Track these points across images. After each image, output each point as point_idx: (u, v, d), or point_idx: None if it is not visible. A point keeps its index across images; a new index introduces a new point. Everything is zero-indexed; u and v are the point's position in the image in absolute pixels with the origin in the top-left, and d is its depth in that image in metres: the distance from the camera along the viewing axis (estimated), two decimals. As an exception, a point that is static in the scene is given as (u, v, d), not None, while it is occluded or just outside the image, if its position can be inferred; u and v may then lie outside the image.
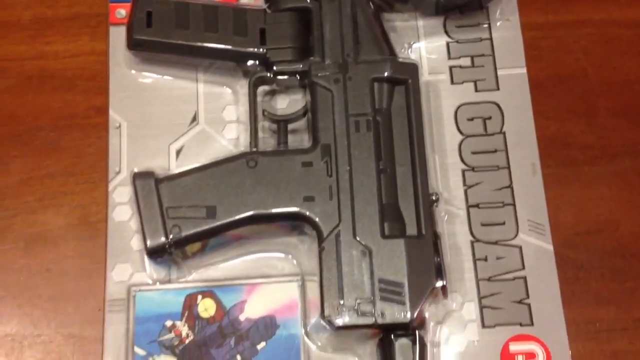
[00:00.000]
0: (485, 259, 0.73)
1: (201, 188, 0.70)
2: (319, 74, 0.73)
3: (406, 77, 0.73)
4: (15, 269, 0.74)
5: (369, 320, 0.66)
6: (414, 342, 0.66)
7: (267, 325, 0.71)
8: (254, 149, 0.72)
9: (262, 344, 0.71)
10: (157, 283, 0.72)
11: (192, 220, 0.69)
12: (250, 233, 0.72)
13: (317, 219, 0.69)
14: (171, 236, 0.69)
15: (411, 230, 0.69)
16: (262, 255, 0.73)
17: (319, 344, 0.70)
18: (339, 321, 0.66)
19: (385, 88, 0.73)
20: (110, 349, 0.70)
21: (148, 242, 0.69)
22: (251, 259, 0.73)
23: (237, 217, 0.69)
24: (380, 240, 0.68)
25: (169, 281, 0.72)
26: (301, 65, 0.73)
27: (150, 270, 0.72)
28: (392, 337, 0.66)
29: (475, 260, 0.73)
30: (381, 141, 0.71)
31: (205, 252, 0.73)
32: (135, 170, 0.73)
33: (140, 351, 0.70)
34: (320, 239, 0.69)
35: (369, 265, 0.67)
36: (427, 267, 0.67)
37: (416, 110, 0.72)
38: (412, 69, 0.73)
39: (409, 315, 0.66)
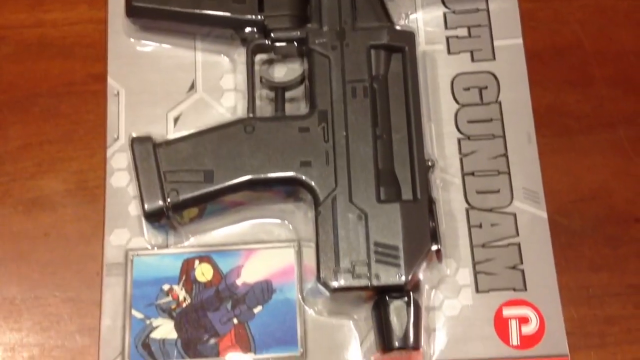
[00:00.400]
0: (480, 226, 0.73)
1: (199, 153, 0.70)
2: (317, 41, 0.73)
3: (403, 44, 0.73)
4: (14, 233, 0.74)
5: (364, 283, 0.67)
6: (408, 304, 0.67)
7: (264, 290, 0.72)
8: (251, 115, 0.73)
9: (259, 307, 0.71)
10: (155, 248, 0.73)
11: (190, 184, 0.70)
12: (248, 199, 0.73)
13: (313, 184, 0.69)
14: (169, 200, 0.69)
15: (407, 195, 0.70)
16: (259, 221, 0.74)
17: (315, 308, 0.71)
18: (335, 284, 0.67)
19: (382, 55, 0.73)
20: (108, 312, 0.71)
21: (146, 206, 0.69)
22: (248, 225, 0.74)
23: (235, 181, 0.70)
24: (376, 205, 0.68)
25: (167, 246, 0.73)
26: (299, 33, 0.73)
27: (148, 235, 0.73)
28: (387, 299, 0.67)
29: (470, 227, 0.73)
30: (378, 107, 0.72)
31: (203, 218, 0.73)
32: (133, 134, 0.74)
33: (137, 314, 0.71)
34: (317, 204, 0.69)
35: (364, 229, 0.68)
36: (422, 230, 0.68)
37: (412, 78, 0.72)
38: (409, 36, 0.73)
39: (403, 277, 0.66)
